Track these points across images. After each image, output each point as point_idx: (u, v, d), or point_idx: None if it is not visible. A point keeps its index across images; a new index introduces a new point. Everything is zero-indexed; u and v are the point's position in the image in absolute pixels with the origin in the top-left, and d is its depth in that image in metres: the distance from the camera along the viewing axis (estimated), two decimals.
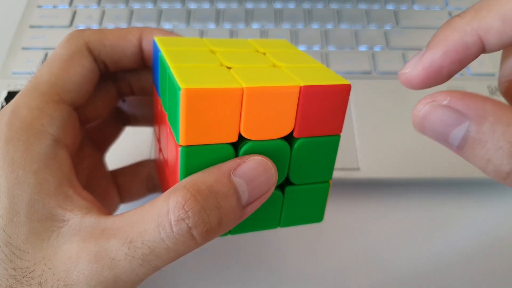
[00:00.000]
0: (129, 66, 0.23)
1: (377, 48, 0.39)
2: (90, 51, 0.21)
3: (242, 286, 0.28)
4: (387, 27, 0.40)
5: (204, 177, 0.16)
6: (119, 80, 0.24)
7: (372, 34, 0.39)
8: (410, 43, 0.39)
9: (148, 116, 0.26)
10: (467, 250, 0.30)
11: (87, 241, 0.16)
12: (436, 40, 0.17)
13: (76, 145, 0.21)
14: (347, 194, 0.32)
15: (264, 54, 0.20)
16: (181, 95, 0.15)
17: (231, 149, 0.17)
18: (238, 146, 0.17)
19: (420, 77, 0.17)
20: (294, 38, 0.39)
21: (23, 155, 0.17)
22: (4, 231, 0.16)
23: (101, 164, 0.25)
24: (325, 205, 0.20)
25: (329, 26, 0.40)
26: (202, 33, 0.40)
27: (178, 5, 0.42)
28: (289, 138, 0.18)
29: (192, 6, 0.42)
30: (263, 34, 0.40)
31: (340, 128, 0.18)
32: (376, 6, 0.42)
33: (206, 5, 0.42)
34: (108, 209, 0.25)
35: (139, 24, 0.40)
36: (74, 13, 0.41)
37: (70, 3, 0.42)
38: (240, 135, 0.17)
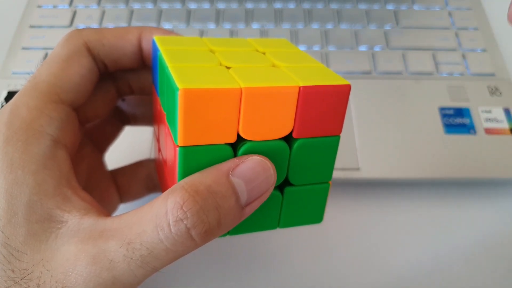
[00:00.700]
0: (129, 65, 0.22)
1: (377, 48, 0.38)
2: (89, 51, 0.21)
3: (241, 287, 0.28)
4: (387, 27, 0.40)
5: (203, 178, 0.16)
6: (119, 80, 0.24)
7: (372, 34, 0.39)
8: (410, 43, 0.39)
9: (148, 115, 0.26)
10: (467, 250, 0.30)
11: (85, 242, 0.16)
12: None
13: (75, 145, 0.21)
14: (347, 194, 0.32)
15: (264, 53, 0.20)
16: (179, 95, 0.15)
17: (229, 150, 0.17)
18: (237, 146, 0.17)
19: None
20: (294, 38, 0.39)
21: (22, 156, 0.17)
22: (2, 232, 0.16)
23: (100, 164, 0.25)
24: (325, 206, 0.20)
25: (329, 26, 0.40)
26: (202, 33, 0.40)
27: (178, 5, 0.42)
28: (288, 139, 0.18)
29: (192, 6, 0.42)
30: (263, 34, 0.40)
31: (340, 129, 0.18)
32: (376, 6, 0.42)
33: (206, 5, 0.42)
34: (107, 209, 0.25)
35: (139, 24, 0.40)
36: (74, 13, 0.41)
37: (70, 3, 0.42)
38: (238, 136, 0.17)
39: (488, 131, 0.33)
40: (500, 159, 0.32)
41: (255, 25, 0.40)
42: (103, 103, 0.23)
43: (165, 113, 0.19)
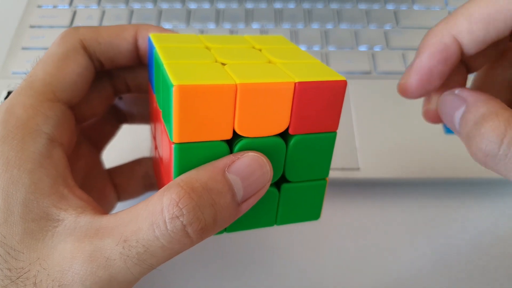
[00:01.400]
0: (125, 63, 0.22)
1: (377, 48, 0.38)
2: (85, 49, 0.21)
3: (239, 286, 0.28)
4: (387, 27, 0.40)
5: (198, 174, 0.16)
6: (115, 78, 0.24)
7: (372, 34, 0.39)
8: (410, 43, 0.39)
9: (145, 113, 0.26)
10: (467, 250, 0.30)
11: (82, 240, 0.16)
12: (421, 47, 0.20)
13: (71, 144, 0.20)
14: (347, 194, 0.32)
15: (260, 50, 0.20)
16: (174, 91, 0.15)
17: (225, 146, 0.17)
18: (233, 143, 0.17)
19: (415, 82, 0.20)
20: (294, 38, 0.39)
21: (18, 154, 0.17)
22: None
23: (97, 162, 0.25)
24: (322, 202, 0.20)
25: (329, 26, 0.40)
26: (202, 33, 0.40)
27: (178, 5, 0.42)
28: (284, 135, 0.18)
29: (192, 6, 0.42)
30: (263, 34, 0.40)
31: (336, 125, 0.18)
32: (376, 6, 0.42)
33: (206, 5, 0.42)
34: (105, 207, 0.25)
35: None
36: (74, 13, 0.41)
37: (70, 3, 0.42)
38: (234, 132, 0.17)
39: None
40: None
41: (255, 25, 0.40)
42: (99, 101, 0.23)
43: (161, 110, 0.19)
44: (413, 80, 0.20)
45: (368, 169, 0.31)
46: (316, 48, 0.39)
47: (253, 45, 0.21)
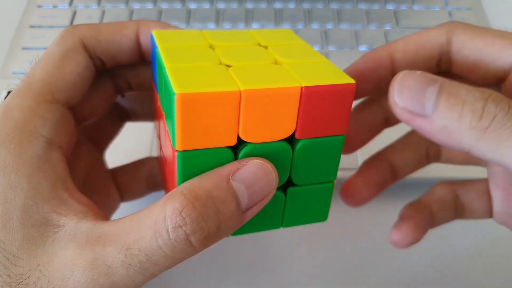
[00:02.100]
0: (127, 61, 0.22)
1: None
2: (85, 48, 0.20)
3: (241, 286, 0.28)
4: (387, 27, 0.40)
5: (202, 182, 0.16)
6: (116, 76, 0.23)
7: (372, 34, 0.39)
8: None
9: (149, 111, 0.26)
10: (467, 250, 0.30)
11: (83, 247, 0.15)
12: (360, 58, 0.22)
13: (71, 146, 0.20)
14: None
15: (266, 47, 0.19)
16: (176, 100, 0.14)
17: (230, 153, 0.16)
18: (237, 149, 0.17)
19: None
20: None
21: (15, 159, 0.17)
22: None
23: (100, 162, 0.25)
24: (329, 204, 0.20)
25: (329, 26, 0.40)
26: None
27: (178, 5, 0.42)
28: (290, 139, 0.17)
29: (192, 6, 0.42)
30: None
31: (344, 128, 0.17)
32: (376, 6, 0.42)
33: (206, 5, 0.42)
34: (108, 208, 0.25)
35: None
36: (74, 13, 0.41)
37: (70, 3, 0.42)
38: (239, 138, 0.16)
39: None
40: None
41: (255, 25, 0.40)
42: (100, 101, 0.23)
43: (164, 112, 0.18)
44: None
45: None
46: (316, 48, 0.39)
47: (258, 41, 0.20)
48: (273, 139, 0.16)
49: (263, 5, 0.42)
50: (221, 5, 0.42)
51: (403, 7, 0.42)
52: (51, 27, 0.40)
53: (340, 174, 0.31)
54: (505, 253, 0.29)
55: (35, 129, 0.18)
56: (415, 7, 0.42)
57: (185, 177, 0.16)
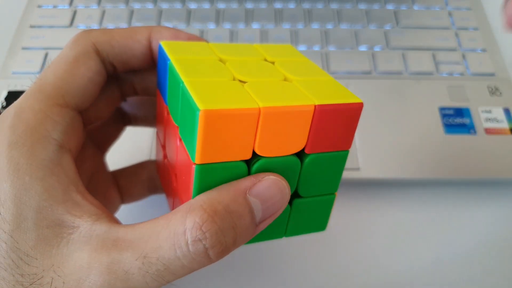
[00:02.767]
0: (138, 66, 0.22)
1: (377, 48, 0.39)
2: (98, 53, 0.20)
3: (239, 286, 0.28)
4: (387, 27, 0.40)
5: (221, 196, 0.16)
6: (123, 81, 0.23)
7: (372, 34, 0.40)
8: (410, 43, 0.39)
9: (150, 116, 0.26)
10: (467, 250, 0.30)
11: (99, 251, 0.16)
12: None
13: (78, 149, 0.20)
14: (347, 194, 0.32)
15: (273, 63, 0.20)
16: (200, 116, 0.15)
17: (244, 166, 0.17)
18: (250, 162, 0.17)
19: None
20: (294, 38, 0.39)
21: (28, 161, 0.17)
22: (11, 236, 0.16)
23: (102, 165, 0.25)
24: (330, 215, 0.21)
25: (329, 26, 0.40)
26: (202, 33, 0.40)
27: (178, 5, 0.42)
28: (299, 153, 0.18)
29: (192, 6, 0.42)
30: (263, 34, 0.40)
31: (349, 144, 0.18)
32: (376, 6, 0.42)
33: (206, 5, 0.42)
34: (110, 210, 0.25)
35: (139, 24, 0.40)
36: (74, 13, 0.41)
37: (70, 3, 0.42)
38: (253, 152, 0.17)
39: (488, 131, 0.33)
40: (500, 159, 0.32)
41: (255, 25, 0.40)
42: (106, 104, 0.23)
43: (174, 123, 0.19)
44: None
45: (368, 169, 0.31)
46: (316, 48, 0.39)
47: (264, 56, 0.21)
48: (285, 154, 0.17)
49: (263, 5, 0.42)
50: (221, 5, 0.42)
51: (403, 7, 0.42)
52: (51, 27, 0.40)
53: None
54: (505, 253, 0.29)
55: (46, 132, 0.18)
56: (415, 7, 0.42)
57: (202, 189, 0.17)
